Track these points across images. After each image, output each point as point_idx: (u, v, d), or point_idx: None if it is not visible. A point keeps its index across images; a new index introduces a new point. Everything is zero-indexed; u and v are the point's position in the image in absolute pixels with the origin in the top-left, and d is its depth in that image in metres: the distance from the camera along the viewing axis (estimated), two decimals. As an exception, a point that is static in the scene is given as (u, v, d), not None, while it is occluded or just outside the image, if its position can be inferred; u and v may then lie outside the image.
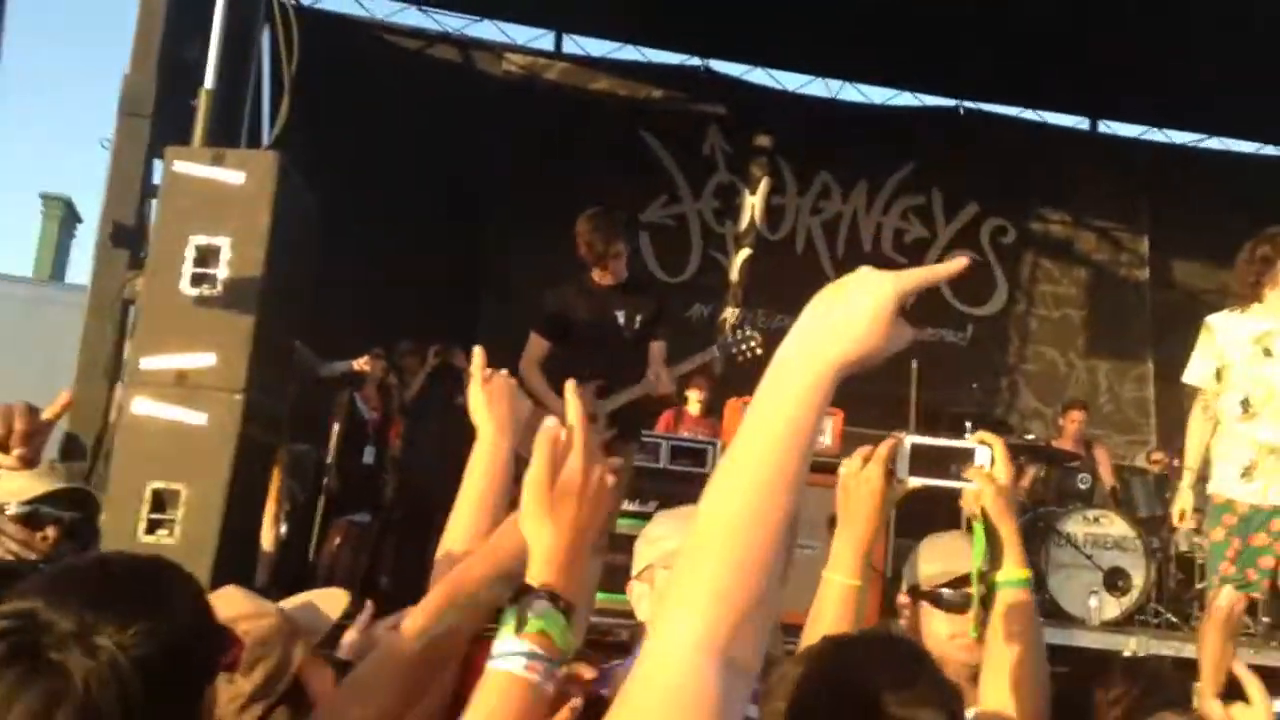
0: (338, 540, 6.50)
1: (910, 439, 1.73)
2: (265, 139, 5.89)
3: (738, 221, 9.66)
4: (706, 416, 7.49)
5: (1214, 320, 4.52)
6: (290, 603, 1.79)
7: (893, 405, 8.16)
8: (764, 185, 9.67)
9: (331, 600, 1.84)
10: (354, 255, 7.52)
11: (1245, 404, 4.35)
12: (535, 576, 1.19)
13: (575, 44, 9.58)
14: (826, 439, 6.47)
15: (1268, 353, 4.35)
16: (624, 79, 9.53)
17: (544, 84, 9.41)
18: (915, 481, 1.72)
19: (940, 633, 2.21)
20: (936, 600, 2.25)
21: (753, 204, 9.67)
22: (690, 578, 0.96)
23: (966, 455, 1.73)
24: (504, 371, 1.84)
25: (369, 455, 6.61)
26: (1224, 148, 10.20)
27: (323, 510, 6.27)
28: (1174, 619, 6.43)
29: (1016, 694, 1.67)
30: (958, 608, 2.15)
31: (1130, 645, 5.48)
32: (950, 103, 9.94)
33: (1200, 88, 8.74)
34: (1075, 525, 6.27)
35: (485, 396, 1.79)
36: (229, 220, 4.04)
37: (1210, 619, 4.26)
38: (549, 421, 1.23)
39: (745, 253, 9.60)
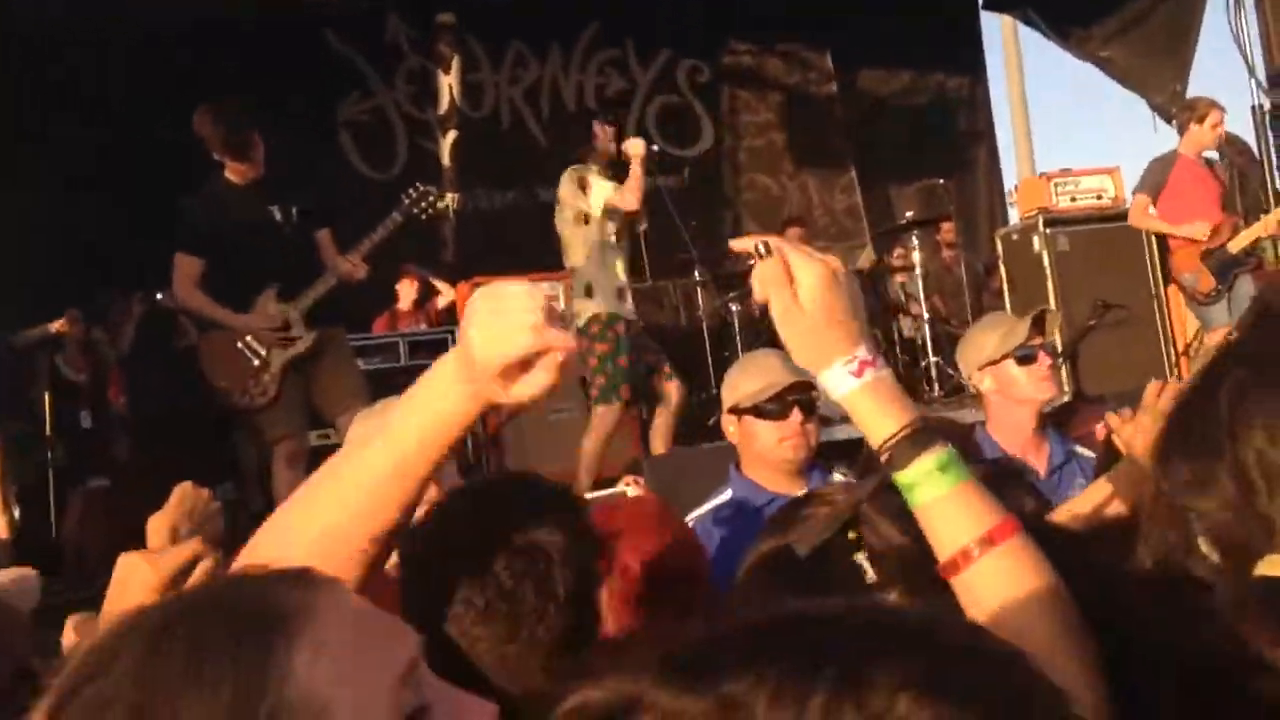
0: (79, 512, 6.12)
1: None
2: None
3: (438, 105, 9.43)
4: (419, 309, 7.45)
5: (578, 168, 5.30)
6: None
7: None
8: (456, 64, 9.43)
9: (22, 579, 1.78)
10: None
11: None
12: None
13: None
14: (560, 303, 6.59)
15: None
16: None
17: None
18: None
19: (769, 440, 2.47)
20: (760, 413, 2.47)
21: (449, 84, 9.43)
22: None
23: None
24: None
25: (86, 420, 6.20)
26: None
27: (54, 485, 5.88)
28: (906, 397, 7.02)
29: None
30: (779, 415, 2.43)
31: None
32: (624, -50, 9.91)
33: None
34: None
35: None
36: None
37: None
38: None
39: (453, 135, 9.40)
